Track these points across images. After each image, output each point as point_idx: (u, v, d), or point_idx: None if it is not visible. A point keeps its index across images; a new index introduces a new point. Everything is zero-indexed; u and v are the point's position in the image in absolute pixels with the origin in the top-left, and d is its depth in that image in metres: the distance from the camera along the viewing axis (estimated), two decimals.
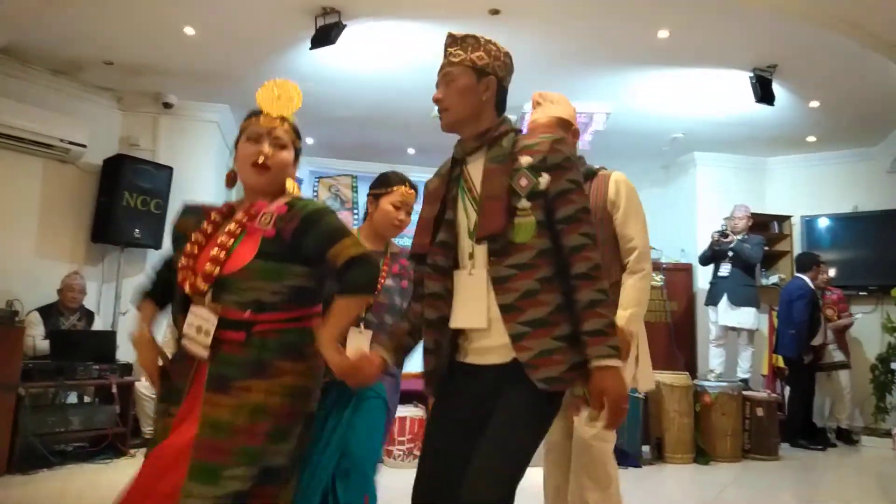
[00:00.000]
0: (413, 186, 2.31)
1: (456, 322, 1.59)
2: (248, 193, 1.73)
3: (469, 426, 1.55)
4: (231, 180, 1.76)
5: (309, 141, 6.82)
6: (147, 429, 4.65)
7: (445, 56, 1.64)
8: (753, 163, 7.01)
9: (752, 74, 4.80)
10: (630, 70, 5.01)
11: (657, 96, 5.44)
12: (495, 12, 4.10)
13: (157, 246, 5.53)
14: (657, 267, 6.08)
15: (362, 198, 7.49)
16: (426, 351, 1.66)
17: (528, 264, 1.50)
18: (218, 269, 1.58)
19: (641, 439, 4.94)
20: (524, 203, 1.52)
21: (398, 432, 4.47)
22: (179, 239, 1.72)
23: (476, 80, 1.61)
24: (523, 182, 1.52)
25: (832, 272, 6.20)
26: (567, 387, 1.53)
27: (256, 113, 1.74)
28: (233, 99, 5.73)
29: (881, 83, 4.92)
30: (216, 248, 1.61)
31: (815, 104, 5.48)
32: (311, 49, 4.19)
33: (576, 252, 1.51)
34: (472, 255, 1.57)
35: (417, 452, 4.43)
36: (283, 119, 1.73)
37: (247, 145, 1.69)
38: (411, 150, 7.00)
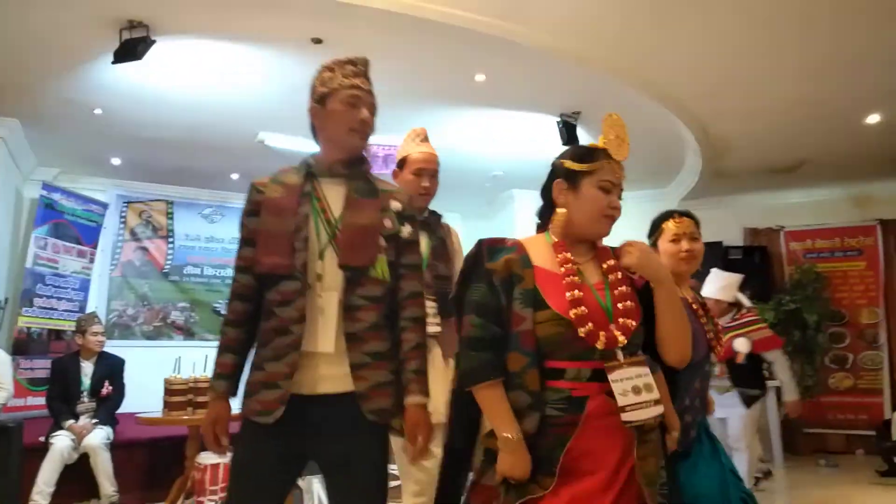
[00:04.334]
0: None
1: (310, 345, 1.53)
2: (574, 240, 1.68)
3: (293, 464, 1.58)
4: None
5: (115, 162, 6.25)
6: None
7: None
8: None
9: (559, 119, 5.20)
10: (452, 109, 5.20)
11: (478, 135, 5.70)
12: (318, 41, 4.05)
13: None
14: None
15: (178, 225, 6.98)
16: (267, 385, 1.53)
17: (378, 298, 1.58)
18: (632, 320, 1.54)
19: None
20: (382, 242, 1.60)
21: (210, 481, 4.13)
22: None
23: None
24: (388, 223, 1.62)
25: None
26: (391, 419, 1.58)
27: (601, 153, 1.69)
28: (23, 113, 5.08)
29: (667, 132, 5.55)
30: (618, 297, 1.59)
31: None
32: (113, 63, 3.84)
33: (413, 298, 1.64)
34: (320, 277, 1.55)
35: None
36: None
37: (598, 194, 1.66)
38: (235, 176, 6.67)
